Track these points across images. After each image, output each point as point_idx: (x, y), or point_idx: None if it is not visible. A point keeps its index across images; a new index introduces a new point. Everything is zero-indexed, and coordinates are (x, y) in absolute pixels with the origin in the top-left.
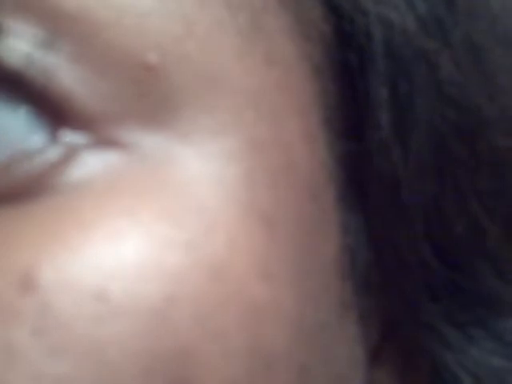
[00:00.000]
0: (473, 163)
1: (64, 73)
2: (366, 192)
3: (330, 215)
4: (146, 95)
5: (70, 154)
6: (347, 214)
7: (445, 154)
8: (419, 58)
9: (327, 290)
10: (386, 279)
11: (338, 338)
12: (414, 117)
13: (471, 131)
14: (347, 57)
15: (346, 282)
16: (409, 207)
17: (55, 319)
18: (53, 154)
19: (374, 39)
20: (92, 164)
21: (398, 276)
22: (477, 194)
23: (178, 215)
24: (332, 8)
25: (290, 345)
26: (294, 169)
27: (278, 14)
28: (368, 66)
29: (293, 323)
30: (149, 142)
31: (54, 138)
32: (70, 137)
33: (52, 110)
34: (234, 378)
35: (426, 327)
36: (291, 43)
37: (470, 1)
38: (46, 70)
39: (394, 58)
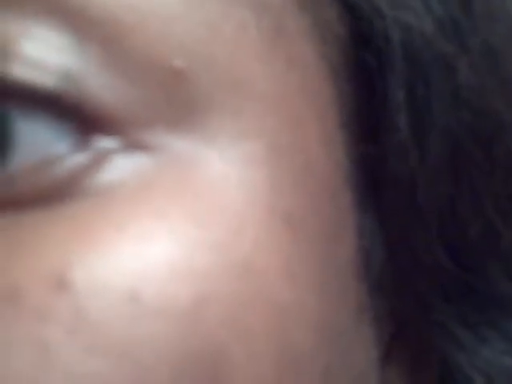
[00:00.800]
0: (489, 167)
1: (93, 79)
2: (382, 194)
3: (346, 217)
4: (173, 99)
5: (101, 158)
6: (363, 216)
7: (461, 157)
8: (437, 62)
9: (345, 293)
10: (400, 280)
11: (355, 341)
12: (431, 120)
13: (488, 135)
14: (364, 59)
15: (361, 284)
16: (425, 209)
17: (88, 319)
18: (83, 158)
19: (392, 42)
20: (122, 167)
21: (412, 277)
22: (492, 197)
23: (206, 217)
24: (349, 10)
25: (314, 345)
26: (313, 171)
27: (297, 17)
28: (386, 69)
29: (316, 324)
30: (176, 145)
31: (84, 142)
32: (100, 141)
33: (82, 116)
34: (262, 378)
35: (438, 327)
36: (310, 46)
37: (487, 5)
38: (76, 78)
39: (412, 61)
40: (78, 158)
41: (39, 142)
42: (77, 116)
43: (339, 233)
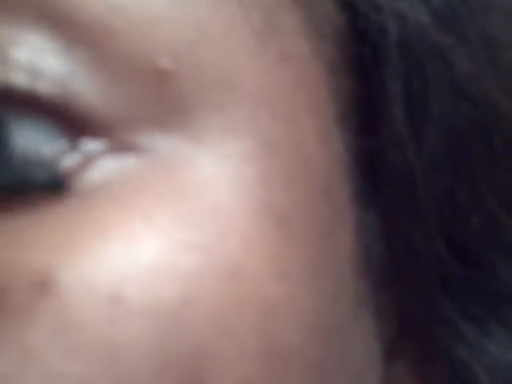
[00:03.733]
0: (489, 158)
1: (81, 82)
2: (381, 187)
3: (344, 212)
4: (160, 100)
5: (88, 160)
6: (362, 209)
7: (460, 148)
8: (434, 53)
9: (343, 288)
10: (401, 274)
11: (354, 336)
12: (428, 112)
13: (487, 126)
14: (362, 52)
15: (361, 279)
16: (424, 202)
17: (72, 320)
18: (71, 160)
19: (388, 34)
20: (110, 169)
21: (413, 271)
22: (494, 188)
23: (193, 218)
24: (345, 3)
25: (305, 343)
26: (308, 167)
27: (291, 11)
28: (382, 61)
29: (308, 322)
30: (165, 145)
31: (72, 145)
32: (87, 144)
33: (71, 118)
34: (249, 378)
35: (441, 322)
36: (305, 40)
37: None
38: (65, 82)
39: (409, 53)
40: (67, 161)
41: (30, 144)
42: (66, 119)
43: (336, 227)
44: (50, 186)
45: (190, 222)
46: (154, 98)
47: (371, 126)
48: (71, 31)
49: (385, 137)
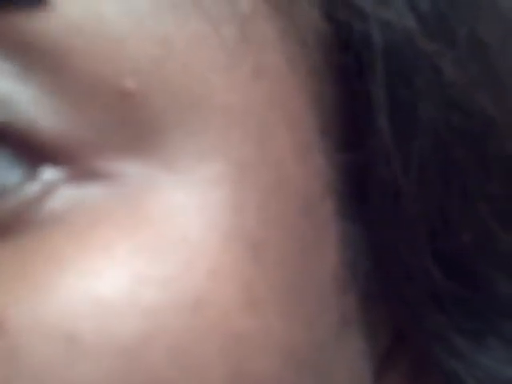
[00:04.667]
0: (481, 168)
1: (39, 107)
2: (367, 200)
3: (326, 228)
4: (125, 123)
5: (48, 190)
6: (347, 224)
7: (449, 159)
8: (421, 60)
9: (325, 308)
10: (389, 290)
11: (338, 355)
12: (415, 122)
13: (478, 136)
14: (346, 61)
15: (346, 296)
16: (411, 216)
17: (25, 364)
18: (30, 189)
19: (372, 42)
20: (70, 198)
21: (401, 286)
22: (487, 200)
23: (156, 249)
24: (329, 11)
25: (280, 370)
26: (286, 185)
27: (269, 19)
28: (367, 70)
29: (284, 348)
30: (130, 171)
31: (32, 174)
32: (48, 172)
33: (29, 145)
34: None
35: (434, 337)
36: (283, 50)
37: None
38: (20, 107)
39: (394, 61)
40: (26, 191)
41: None
42: (24, 146)
43: (318, 246)
44: (8, 217)
45: (152, 253)
46: (120, 122)
47: (357, 138)
48: (28, 54)
49: (370, 148)
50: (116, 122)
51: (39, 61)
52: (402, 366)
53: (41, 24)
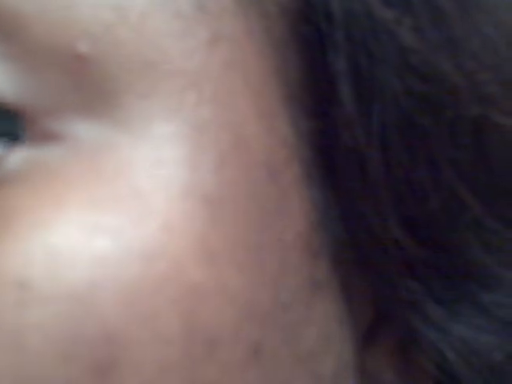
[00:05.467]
0: (445, 134)
1: None
2: (334, 168)
3: (292, 193)
4: (79, 85)
5: (6, 151)
6: (315, 190)
7: (413, 126)
8: (379, 29)
9: (291, 269)
10: (361, 256)
11: (306, 317)
12: (376, 90)
13: (439, 101)
14: (308, 31)
15: (316, 260)
16: (376, 183)
17: None
18: None
19: (331, 12)
20: (27, 158)
21: (373, 254)
22: (453, 165)
23: (108, 203)
24: None
25: (239, 325)
26: (247, 148)
27: None
28: (327, 40)
29: (241, 302)
30: (85, 131)
31: None
32: (5, 134)
33: None
34: (168, 362)
35: (409, 306)
36: (243, 20)
37: None
38: None
39: (353, 30)
40: None
41: None
42: None
43: (283, 208)
44: None
45: (105, 207)
46: (74, 85)
47: (322, 105)
48: None
49: (334, 116)
50: (70, 85)
51: None
52: (389, 340)
53: None
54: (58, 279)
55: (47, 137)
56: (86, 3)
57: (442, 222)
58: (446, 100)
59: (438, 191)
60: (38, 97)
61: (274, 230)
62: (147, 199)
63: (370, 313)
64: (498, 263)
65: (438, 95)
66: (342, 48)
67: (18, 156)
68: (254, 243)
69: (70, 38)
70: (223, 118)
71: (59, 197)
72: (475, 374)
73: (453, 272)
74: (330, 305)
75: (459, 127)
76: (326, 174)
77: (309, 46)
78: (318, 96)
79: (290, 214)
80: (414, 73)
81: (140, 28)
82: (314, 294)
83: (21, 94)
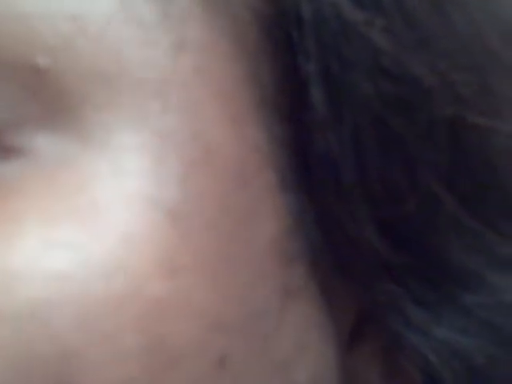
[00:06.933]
0: (420, 136)
1: None
2: (310, 172)
3: (264, 200)
4: (39, 99)
5: None
6: (290, 195)
7: (386, 128)
8: (349, 31)
9: (263, 278)
10: (339, 261)
11: (279, 325)
12: (348, 93)
13: (413, 103)
14: (281, 35)
15: (292, 266)
16: (350, 187)
17: None
18: None
19: (301, 16)
20: None
21: (350, 257)
22: (431, 166)
23: (66, 217)
24: None
25: (204, 337)
26: (215, 157)
27: (194, 1)
28: (298, 44)
29: (209, 315)
30: (46, 145)
31: None
32: None
33: None
34: (129, 378)
35: (389, 310)
36: (212, 25)
37: None
38: None
39: (323, 33)
40: None
41: None
42: None
43: (256, 217)
44: None
45: (63, 220)
46: (34, 99)
47: (295, 110)
48: None
49: (307, 121)
50: (29, 99)
51: None
52: (374, 343)
53: None
54: (13, 296)
55: (6, 151)
56: (44, 15)
57: (420, 224)
58: (420, 101)
59: (415, 193)
60: None
61: (246, 238)
62: (107, 213)
63: (353, 316)
64: (480, 264)
65: (412, 97)
66: (312, 51)
67: None
68: (223, 254)
69: (29, 51)
70: (190, 126)
71: (17, 212)
72: (458, 378)
73: (433, 274)
74: (306, 311)
75: (434, 128)
76: (301, 179)
77: (282, 51)
78: (292, 101)
79: (263, 221)
80: (386, 75)
81: (100, 39)
82: (288, 301)
83: None
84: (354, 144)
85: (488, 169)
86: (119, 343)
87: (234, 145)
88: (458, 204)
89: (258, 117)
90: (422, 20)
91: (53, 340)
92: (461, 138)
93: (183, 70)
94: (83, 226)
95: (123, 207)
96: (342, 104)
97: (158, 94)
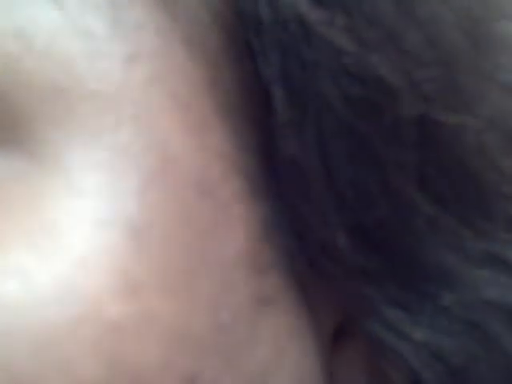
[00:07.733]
0: (388, 136)
1: None
2: (279, 179)
3: (230, 209)
4: None
5: None
6: (260, 202)
7: (353, 130)
8: (309, 31)
9: (234, 288)
10: (313, 265)
11: (252, 336)
12: (310, 95)
13: (378, 103)
14: (242, 39)
15: (265, 275)
16: (318, 192)
17: None
18: None
19: (260, 18)
20: None
21: (324, 262)
22: (401, 167)
23: (17, 241)
24: None
25: (169, 356)
26: (174, 168)
27: (147, 6)
28: (258, 47)
29: (174, 332)
30: None
31: None
32: None
33: None
34: None
35: (366, 311)
36: (167, 32)
37: None
38: None
39: (282, 35)
40: None
41: None
42: None
43: (220, 227)
44: None
45: (13, 245)
46: None
47: (259, 115)
48: None
49: (272, 126)
50: None
51: None
52: (358, 344)
53: None
54: None
55: None
56: None
57: (394, 226)
58: (386, 101)
59: (387, 196)
60: None
61: (211, 250)
62: (59, 234)
63: (334, 321)
64: (456, 261)
65: (377, 97)
66: (271, 54)
67: None
68: (187, 267)
69: None
70: (146, 138)
71: None
72: (439, 379)
73: (410, 274)
74: (283, 319)
75: (402, 128)
76: (272, 186)
77: (245, 54)
78: (258, 105)
79: (230, 230)
80: (349, 76)
81: (47, 54)
82: (262, 310)
83: None
84: (319, 148)
85: (460, 166)
86: (77, 369)
87: (195, 153)
88: (431, 203)
89: (223, 123)
90: (384, 17)
91: (7, 371)
92: (430, 137)
93: (137, 81)
94: (36, 250)
95: (77, 228)
96: (305, 107)
97: (112, 107)
